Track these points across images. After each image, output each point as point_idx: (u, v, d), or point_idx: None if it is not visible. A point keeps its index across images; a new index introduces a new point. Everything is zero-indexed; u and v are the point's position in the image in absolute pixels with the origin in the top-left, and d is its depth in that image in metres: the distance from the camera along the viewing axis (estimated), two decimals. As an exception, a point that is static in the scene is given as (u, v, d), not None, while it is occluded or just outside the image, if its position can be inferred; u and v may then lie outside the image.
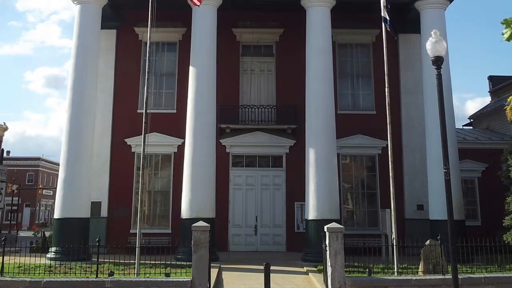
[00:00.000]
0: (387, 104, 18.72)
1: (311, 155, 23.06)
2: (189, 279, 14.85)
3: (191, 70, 23.96)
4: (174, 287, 14.68)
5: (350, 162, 28.48)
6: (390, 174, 18.16)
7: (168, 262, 16.94)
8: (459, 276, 14.12)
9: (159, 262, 16.73)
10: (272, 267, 14.70)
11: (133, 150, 27.63)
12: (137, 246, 16.76)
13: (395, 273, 16.49)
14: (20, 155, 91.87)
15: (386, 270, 17.03)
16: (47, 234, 29.01)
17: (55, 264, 18.41)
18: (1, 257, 15.41)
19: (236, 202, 27.49)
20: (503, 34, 10.06)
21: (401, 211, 26.10)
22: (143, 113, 18.36)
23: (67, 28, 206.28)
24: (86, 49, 23.91)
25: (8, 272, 15.60)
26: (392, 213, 17.95)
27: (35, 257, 17.82)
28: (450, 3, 25.22)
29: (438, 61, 14.63)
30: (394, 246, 17.27)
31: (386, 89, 18.79)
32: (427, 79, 23.56)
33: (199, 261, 14.91)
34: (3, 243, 15.61)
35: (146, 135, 18.17)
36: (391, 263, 17.92)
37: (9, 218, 64.87)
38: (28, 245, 24.04)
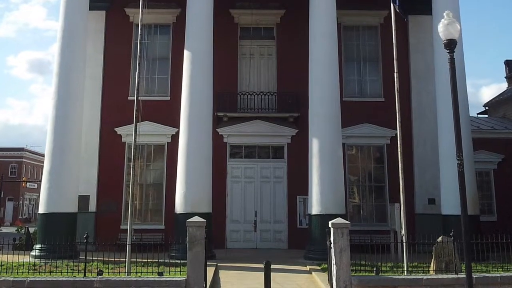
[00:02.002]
0: (396, 91, 18.64)
1: (314, 146, 22.98)
2: (184, 278, 14.80)
3: (186, 54, 23.84)
4: (167, 287, 14.64)
5: (357, 153, 28.44)
6: (400, 166, 18.09)
7: (161, 260, 16.87)
8: (474, 275, 14.08)
9: (152, 260, 16.71)
10: (272, 266, 14.64)
11: (123, 140, 27.61)
12: (127, 243, 16.73)
13: (405, 272, 16.46)
14: (2, 145, 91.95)
15: (395, 269, 16.99)
16: (31, 230, 28.97)
17: (40, 262, 18.36)
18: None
19: (234, 195, 27.50)
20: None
21: (411, 206, 26.09)
22: (134, 100, 18.26)
23: (53, 9, 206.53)
24: (73, 31, 23.73)
25: (-10, 271, 15.61)
26: (402, 207, 17.91)
27: (19, 255, 17.79)
28: (464, -18, 25.14)
29: (451, 45, 14.53)
30: (404, 243, 17.18)
31: (395, 74, 18.72)
32: (439, 63, 23.46)
33: (195, 259, 14.86)
34: (-16, 240, 15.57)
35: (138, 123, 18.09)
36: (401, 261, 17.91)
37: (-10, 213, 65.00)
38: (11, 242, 23.96)
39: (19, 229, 43.07)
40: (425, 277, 15.32)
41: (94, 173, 27.19)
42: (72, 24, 23.81)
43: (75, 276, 15.36)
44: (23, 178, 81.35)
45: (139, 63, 18.75)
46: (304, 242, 23.70)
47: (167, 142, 27.68)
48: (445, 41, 14.62)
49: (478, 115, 38.63)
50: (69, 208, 22.55)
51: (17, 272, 15.78)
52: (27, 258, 19.62)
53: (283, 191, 27.53)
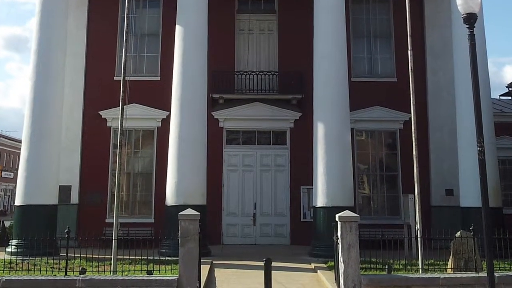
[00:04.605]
0: (410, 70, 18.51)
1: (320, 131, 22.89)
2: (176, 277, 14.76)
3: (178, 29, 23.72)
4: (157, 287, 14.60)
5: (367, 138, 28.42)
6: (414, 153, 17.98)
7: (151, 257, 16.82)
8: (496, 274, 14.00)
9: (140, 257, 16.64)
10: (274, 263, 14.58)
11: (109, 124, 27.58)
12: (113, 238, 16.66)
13: (420, 270, 16.41)
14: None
15: (409, 267, 16.92)
16: (7, 224, 28.95)
17: (17, 259, 18.25)
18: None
19: (231, 186, 27.50)
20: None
21: (427, 197, 26.18)
22: (120, 80, 18.14)
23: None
24: (53, 4, 23.56)
25: (-39, 269, 15.57)
26: (416, 199, 17.84)
27: (-7, 251, 17.79)
28: None
29: (471, 19, 14.38)
30: (419, 238, 17.19)
31: (409, 52, 18.57)
32: (458, 40, 23.34)
33: (187, 256, 14.83)
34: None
35: (125, 106, 17.97)
36: (415, 259, 17.83)
37: (-38, 205, 65.03)
38: (-15, 237, 24.02)
39: (-6, 223, 43.02)
40: (442, 276, 15.28)
41: (77, 161, 27.18)
42: (52, -4, 23.71)
43: (55, 275, 15.29)
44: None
45: (126, 40, 18.59)
46: (309, 237, 23.69)
47: (157, 127, 27.64)
48: (464, 15, 14.46)
49: (501, 97, 38.56)
50: (49, 200, 22.53)
51: (-9, 270, 15.76)
52: (2, 255, 19.65)
53: (285, 181, 27.52)
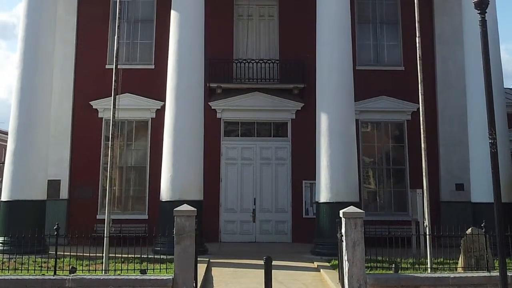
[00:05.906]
0: (418, 58, 18.44)
1: (323, 122, 22.82)
2: (171, 276, 14.73)
3: (173, 15, 23.63)
4: (151, 287, 14.57)
5: (372, 130, 28.40)
6: (422, 146, 17.94)
7: (144, 256, 16.85)
8: (509, 273, 13.92)
9: (133, 256, 16.64)
10: (274, 262, 14.59)
11: (100, 115, 27.55)
12: (105, 235, 16.62)
13: (428, 269, 16.39)
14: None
15: (417, 266, 16.98)
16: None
17: (3, 258, 18.24)
18: None
19: (229, 180, 27.48)
20: None
21: (436, 192, 26.17)
22: (112, 69, 18.08)
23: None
24: (41, -12, 23.61)
25: None
26: (425, 194, 17.78)
27: (-22, 249, 17.74)
28: None
29: (482, 4, 14.32)
30: (427, 236, 17.15)
31: (417, 39, 18.49)
32: (468, 26, 23.28)
33: (183, 255, 14.80)
34: None
35: (117, 96, 17.92)
36: (423, 257, 17.85)
37: None
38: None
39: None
40: (452, 275, 15.23)
41: (66, 154, 27.14)
42: (40, -21, 23.64)
43: (44, 274, 15.28)
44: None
45: (118, 26, 18.49)
46: (311, 234, 23.71)
47: (151, 118, 27.62)
48: (476, 0, 14.45)
49: (514, 86, 38.56)
50: (37, 195, 22.49)
51: (-24, 269, 15.74)
52: (-13, 253, 19.61)
53: (287, 175, 27.51)
